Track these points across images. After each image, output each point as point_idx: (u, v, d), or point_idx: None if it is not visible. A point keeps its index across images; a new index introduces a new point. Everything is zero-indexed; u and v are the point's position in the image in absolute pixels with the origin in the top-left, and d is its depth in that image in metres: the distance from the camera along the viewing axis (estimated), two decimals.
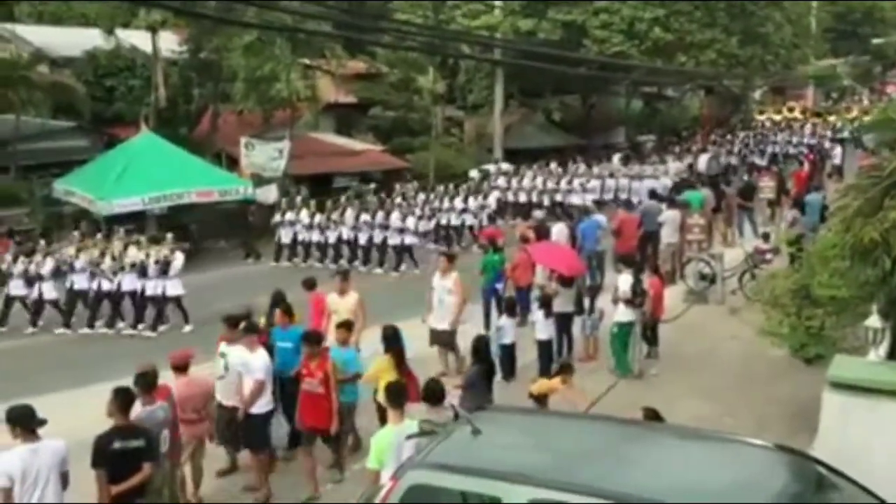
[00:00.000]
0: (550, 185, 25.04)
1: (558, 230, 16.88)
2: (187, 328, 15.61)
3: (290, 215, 21.21)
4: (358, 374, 9.21)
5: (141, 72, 26.68)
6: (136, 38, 26.76)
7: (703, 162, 28.38)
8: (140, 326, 15.73)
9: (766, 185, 23.34)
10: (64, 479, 6.58)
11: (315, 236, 20.90)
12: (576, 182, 24.89)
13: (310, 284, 11.69)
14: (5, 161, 23.80)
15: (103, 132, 26.31)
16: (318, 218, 20.86)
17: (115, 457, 6.69)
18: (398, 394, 7.23)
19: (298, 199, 22.22)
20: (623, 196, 24.96)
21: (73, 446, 6.66)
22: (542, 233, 16.92)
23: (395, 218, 20.07)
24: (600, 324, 12.94)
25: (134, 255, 15.99)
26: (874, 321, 7.58)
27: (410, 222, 20.18)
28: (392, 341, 9.08)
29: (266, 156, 25.02)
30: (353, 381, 9.15)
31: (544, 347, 11.92)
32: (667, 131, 39.60)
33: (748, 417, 10.01)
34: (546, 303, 12.06)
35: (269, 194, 23.88)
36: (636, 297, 11.96)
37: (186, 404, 8.02)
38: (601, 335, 12.88)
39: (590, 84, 35.52)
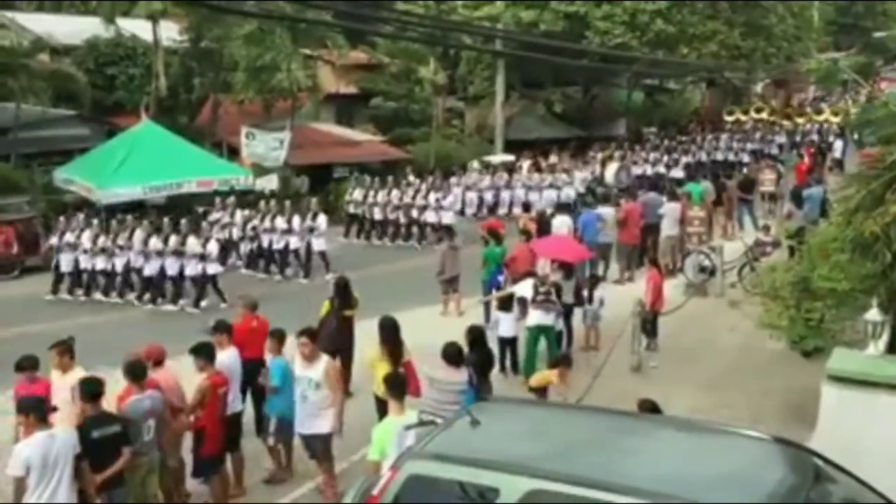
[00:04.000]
0: (406, 200, 22.19)
1: (560, 222, 16.90)
2: None
3: (69, 237, 17.53)
4: (274, 387, 8.68)
5: (141, 60, 26.64)
6: (137, 27, 26.70)
7: (610, 172, 26.10)
8: None
9: (766, 178, 23.39)
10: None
11: (100, 263, 17.28)
12: (431, 197, 21.94)
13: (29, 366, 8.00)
14: (6, 149, 23.75)
15: (104, 121, 26.26)
16: (101, 241, 17.25)
17: (96, 445, 6.73)
18: (398, 385, 7.26)
19: (80, 216, 18.26)
20: (518, 211, 22.86)
21: None
22: (544, 225, 16.97)
23: (192, 243, 16.52)
24: (601, 314, 12.95)
25: None
26: (874, 315, 7.58)
27: (213, 247, 16.69)
28: (388, 331, 9.04)
29: (266, 145, 24.98)
30: (274, 392, 8.71)
31: (505, 344, 11.85)
32: (668, 124, 39.53)
33: (746, 409, 10.04)
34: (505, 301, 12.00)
35: (270, 184, 23.87)
36: (540, 294, 11.65)
37: (172, 396, 8.00)
38: (602, 325, 12.91)
39: (591, 75, 35.52)
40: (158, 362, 8.06)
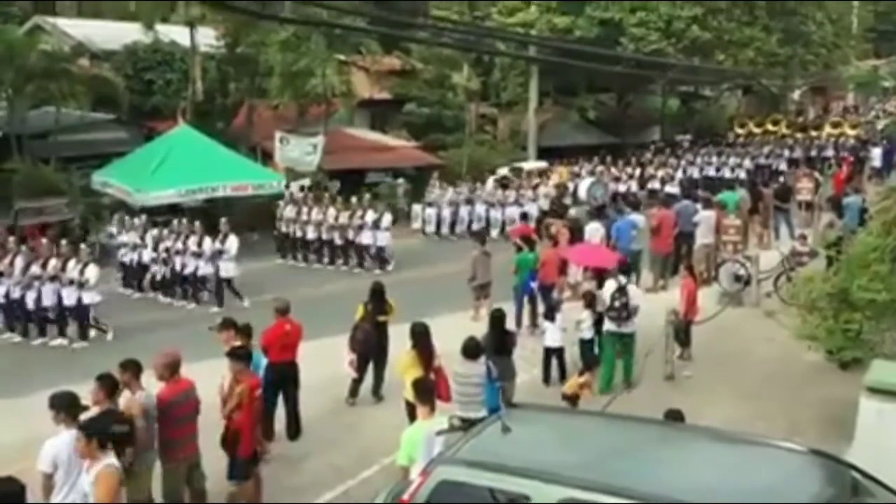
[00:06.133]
0: (343, 219, 20.03)
1: (593, 229, 16.81)
2: None
3: None
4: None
5: (179, 66, 27.06)
6: (175, 33, 27.10)
7: (583, 188, 23.92)
8: None
9: (804, 187, 23.08)
10: None
11: None
12: (368, 217, 19.84)
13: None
14: (45, 152, 24.20)
15: (141, 125, 26.72)
16: None
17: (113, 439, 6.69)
18: (427, 390, 7.26)
19: None
20: (479, 225, 22.85)
21: None
22: (577, 232, 16.87)
23: (71, 267, 14.55)
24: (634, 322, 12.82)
25: None
26: None
27: (91, 273, 14.49)
28: (420, 337, 9.07)
29: (300, 150, 25.19)
30: None
31: (550, 354, 11.70)
32: (703, 131, 39.22)
33: (782, 421, 9.88)
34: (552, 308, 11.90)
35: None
36: (614, 310, 11.44)
37: None
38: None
39: (626, 82, 35.32)
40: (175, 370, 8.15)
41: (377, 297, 11.16)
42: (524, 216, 20.93)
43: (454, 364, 8.59)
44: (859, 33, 45.45)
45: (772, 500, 4.78)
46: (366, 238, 19.82)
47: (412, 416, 8.22)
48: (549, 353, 11.62)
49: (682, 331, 12.44)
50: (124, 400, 7.26)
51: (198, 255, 16.77)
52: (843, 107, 49.37)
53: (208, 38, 26.89)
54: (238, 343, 8.73)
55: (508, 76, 34.40)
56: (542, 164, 28.86)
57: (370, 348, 10.96)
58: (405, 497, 5.60)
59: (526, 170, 27.46)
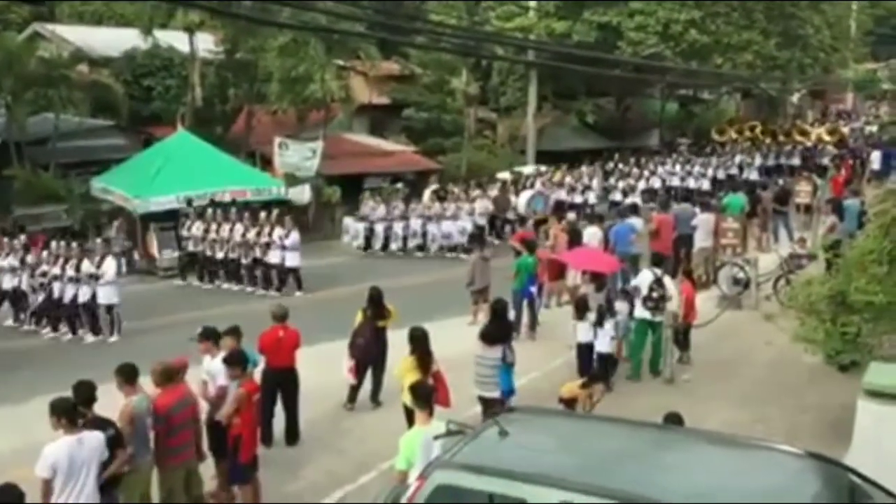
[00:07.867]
0: (250, 237, 18.55)
1: (591, 233, 16.82)
2: None
3: None
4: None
5: (178, 72, 27.08)
6: (174, 39, 27.13)
7: (522, 200, 23.55)
8: None
9: (802, 190, 23.11)
10: (102, 468, 6.74)
11: None
12: (276, 234, 18.32)
13: None
14: (44, 159, 24.22)
15: (140, 131, 26.73)
16: None
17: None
18: (425, 395, 7.25)
19: None
20: (416, 243, 22.39)
21: None
22: (575, 236, 16.89)
23: None
24: (631, 326, 12.80)
25: None
26: None
27: None
28: (418, 342, 9.08)
29: (299, 156, 25.19)
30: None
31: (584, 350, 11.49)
32: (702, 134, 39.26)
33: (781, 424, 9.89)
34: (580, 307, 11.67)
35: (303, 194, 24.04)
36: (651, 300, 11.86)
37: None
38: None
39: (624, 86, 35.38)
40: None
41: (375, 302, 11.16)
42: (522, 221, 20.95)
43: (475, 348, 9.37)
44: (857, 37, 45.55)
45: (771, 502, 4.77)
46: (274, 257, 18.34)
47: (410, 421, 8.23)
48: (601, 358, 11.25)
49: (681, 334, 12.45)
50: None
51: (76, 281, 15.12)
52: (837, 111, 49.36)
53: (207, 43, 26.93)
54: (223, 349, 8.61)
55: (507, 81, 34.46)
56: (541, 168, 28.87)
57: (369, 354, 10.96)
58: (402, 501, 5.59)
59: (525, 174, 27.49)
